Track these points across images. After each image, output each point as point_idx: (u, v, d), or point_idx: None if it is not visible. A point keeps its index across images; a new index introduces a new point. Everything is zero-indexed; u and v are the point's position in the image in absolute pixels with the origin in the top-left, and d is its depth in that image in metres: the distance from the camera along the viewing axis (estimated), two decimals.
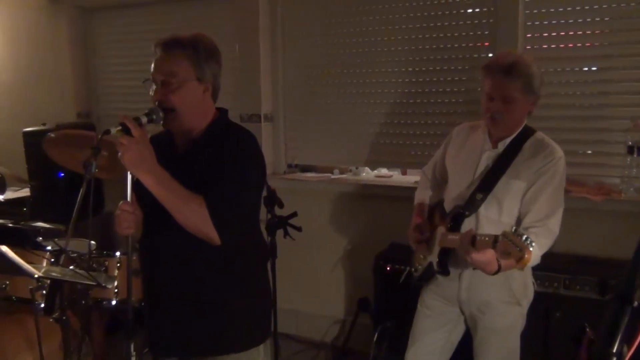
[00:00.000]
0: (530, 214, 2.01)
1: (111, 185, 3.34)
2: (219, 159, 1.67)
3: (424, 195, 2.41)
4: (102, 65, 4.46)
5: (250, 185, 1.72)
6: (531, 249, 1.64)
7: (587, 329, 1.00)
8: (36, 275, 1.90)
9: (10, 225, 3.07)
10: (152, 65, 1.70)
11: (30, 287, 2.08)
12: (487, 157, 2.11)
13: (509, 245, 1.66)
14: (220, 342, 1.77)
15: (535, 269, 2.20)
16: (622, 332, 0.91)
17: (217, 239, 1.61)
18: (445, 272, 2.15)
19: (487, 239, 1.77)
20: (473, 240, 1.83)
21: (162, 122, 1.68)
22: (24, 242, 2.38)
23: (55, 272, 1.91)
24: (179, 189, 1.60)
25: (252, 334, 1.83)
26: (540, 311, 2.46)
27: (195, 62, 1.68)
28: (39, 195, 3.72)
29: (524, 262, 1.65)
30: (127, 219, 1.64)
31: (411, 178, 3.55)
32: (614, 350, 0.93)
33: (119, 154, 1.55)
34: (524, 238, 1.64)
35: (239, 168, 1.67)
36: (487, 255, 1.81)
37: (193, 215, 1.59)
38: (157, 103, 1.68)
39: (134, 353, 1.70)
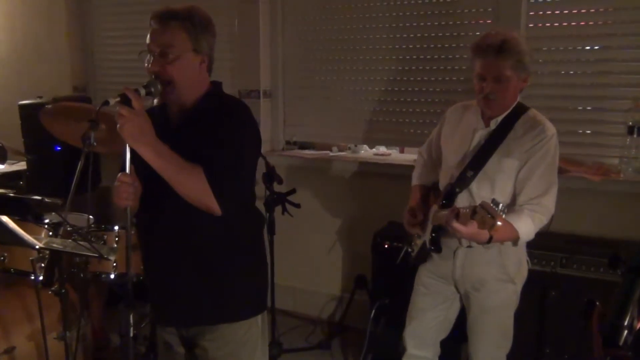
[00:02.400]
0: (525, 192, 2.02)
1: (108, 159, 3.33)
2: (214, 129, 1.66)
3: (419, 177, 2.43)
4: (98, 38, 4.40)
5: (246, 154, 1.72)
6: (503, 215, 1.65)
7: (597, 303, 1.00)
8: (37, 247, 1.89)
9: (12, 195, 3.05)
10: (148, 37, 1.69)
11: (31, 258, 2.07)
12: (479, 136, 2.11)
13: (484, 215, 1.68)
14: (218, 311, 1.78)
15: (532, 247, 2.21)
16: (634, 304, 0.91)
17: (217, 209, 1.62)
18: (437, 249, 2.16)
19: (467, 210, 1.79)
20: (457, 215, 1.85)
21: (159, 94, 1.67)
22: (24, 213, 2.37)
23: (57, 244, 1.91)
24: (178, 160, 1.59)
25: (250, 304, 1.85)
26: (537, 290, 2.47)
27: (192, 33, 1.68)
28: (35, 169, 3.69)
29: (496, 229, 1.66)
30: (125, 190, 1.63)
31: (409, 156, 3.54)
32: (625, 323, 0.93)
33: (118, 126, 1.53)
34: (499, 207, 1.66)
35: (235, 137, 1.67)
36: (470, 227, 1.82)
37: (193, 186, 1.60)
38: (154, 75, 1.66)
39: (132, 324, 1.69)
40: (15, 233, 1.83)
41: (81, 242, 1.78)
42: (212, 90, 1.78)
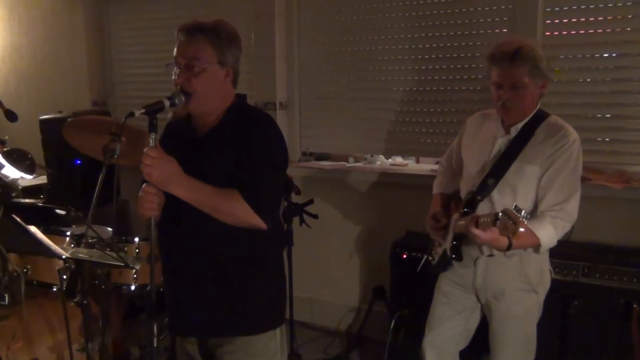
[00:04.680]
0: (547, 198, 2.00)
1: (126, 172, 3.37)
2: (246, 144, 1.69)
3: (440, 186, 2.43)
4: (117, 54, 4.47)
5: (279, 167, 1.78)
6: (525, 222, 1.65)
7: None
8: (64, 256, 1.91)
9: (41, 205, 3.09)
10: (175, 49, 1.72)
11: (58, 268, 2.09)
12: (500, 143, 2.11)
13: (507, 221, 1.68)
14: (238, 323, 1.78)
15: (553, 256, 2.19)
16: None
17: (262, 224, 1.67)
18: (458, 258, 2.15)
19: (488, 219, 1.79)
20: (477, 222, 1.85)
21: (183, 105, 1.69)
22: (51, 223, 2.40)
23: (83, 254, 1.93)
24: (212, 191, 1.64)
25: (269, 317, 1.85)
26: (559, 299, 2.44)
27: (218, 46, 1.70)
28: (55, 182, 3.75)
29: (518, 235, 1.68)
30: (150, 200, 1.65)
31: (426, 166, 3.54)
32: None
33: (145, 174, 1.59)
34: (521, 213, 1.66)
35: (267, 150, 1.71)
36: (489, 233, 1.82)
37: (234, 210, 1.64)
38: (178, 87, 1.69)
39: (155, 334, 1.70)
40: (43, 243, 1.85)
41: (108, 252, 1.79)
42: (236, 103, 1.80)
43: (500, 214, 1.71)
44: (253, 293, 1.79)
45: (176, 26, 1.74)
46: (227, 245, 1.74)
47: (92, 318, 2.36)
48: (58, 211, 2.37)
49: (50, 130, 3.70)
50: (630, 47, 2.80)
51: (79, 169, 3.58)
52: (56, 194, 3.68)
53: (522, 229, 1.65)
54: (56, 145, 3.67)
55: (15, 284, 2.29)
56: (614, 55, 2.85)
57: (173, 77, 1.72)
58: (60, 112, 3.80)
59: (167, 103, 1.63)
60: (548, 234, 1.95)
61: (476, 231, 1.84)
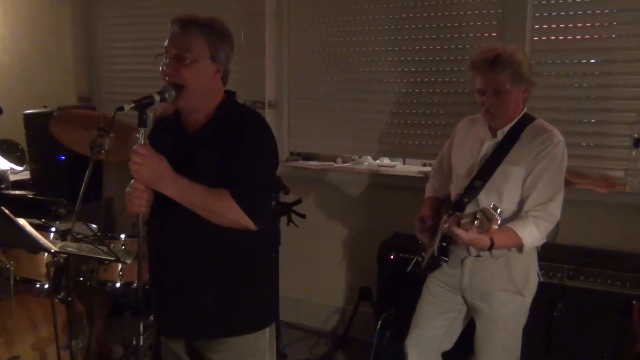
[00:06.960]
0: (531, 199, 2.03)
1: (110, 169, 3.32)
2: (236, 143, 1.67)
3: (433, 189, 2.45)
4: (104, 49, 4.42)
5: (270, 167, 1.75)
6: (499, 219, 1.68)
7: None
8: (53, 250, 1.87)
9: (30, 197, 3.04)
10: (167, 40, 1.69)
11: (46, 262, 2.04)
12: (487, 146, 2.14)
13: (483, 219, 1.71)
14: (227, 324, 1.77)
15: (539, 259, 2.21)
16: None
17: (252, 225, 1.65)
18: (445, 259, 2.16)
19: (468, 219, 1.81)
20: (458, 222, 1.87)
21: (172, 101, 1.66)
22: (40, 215, 2.35)
23: (72, 248, 1.89)
24: (202, 191, 1.62)
25: (258, 317, 1.84)
26: (544, 301, 2.46)
27: (211, 41, 1.69)
28: (39, 178, 3.70)
29: (492, 232, 1.71)
30: (139, 196, 1.62)
31: (414, 168, 3.56)
32: None
33: (133, 171, 1.57)
34: (497, 211, 1.68)
35: (258, 150, 1.69)
36: (471, 234, 1.84)
37: (223, 211, 1.62)
38: (167, 78, 1.66)
39: (142, 332, 1.68)
40: (32, 236, 1.80)
41: (99, 246, 1.76)
42: (226, 101, 1.78)
43: (478, 212, 1.74)
44: (243, 293, 1.78)
45: (164, 22, 1.73)
46: (216, 245, 1.72)
47: (76, 315, 2.32)
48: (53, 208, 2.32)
49: (35, 125, 3.66)
50: (616, 54, 2.84)
51: (63, 164, 3.54)
52: (40, 189, 3.62)
53: (494, 226, 1.67)
54: (40, 141, 3.63)
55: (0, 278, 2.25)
56: (599, 61, 2.89)
57: (161, 68, 1.68)
58: (45, 106, 3.75)
59: (157, 97, 1.60)
60: (530, 233, 1.97)
61: (458, 231, 1.87)
